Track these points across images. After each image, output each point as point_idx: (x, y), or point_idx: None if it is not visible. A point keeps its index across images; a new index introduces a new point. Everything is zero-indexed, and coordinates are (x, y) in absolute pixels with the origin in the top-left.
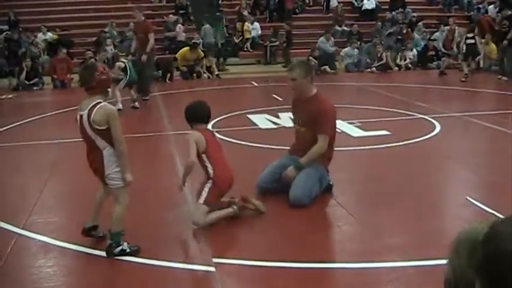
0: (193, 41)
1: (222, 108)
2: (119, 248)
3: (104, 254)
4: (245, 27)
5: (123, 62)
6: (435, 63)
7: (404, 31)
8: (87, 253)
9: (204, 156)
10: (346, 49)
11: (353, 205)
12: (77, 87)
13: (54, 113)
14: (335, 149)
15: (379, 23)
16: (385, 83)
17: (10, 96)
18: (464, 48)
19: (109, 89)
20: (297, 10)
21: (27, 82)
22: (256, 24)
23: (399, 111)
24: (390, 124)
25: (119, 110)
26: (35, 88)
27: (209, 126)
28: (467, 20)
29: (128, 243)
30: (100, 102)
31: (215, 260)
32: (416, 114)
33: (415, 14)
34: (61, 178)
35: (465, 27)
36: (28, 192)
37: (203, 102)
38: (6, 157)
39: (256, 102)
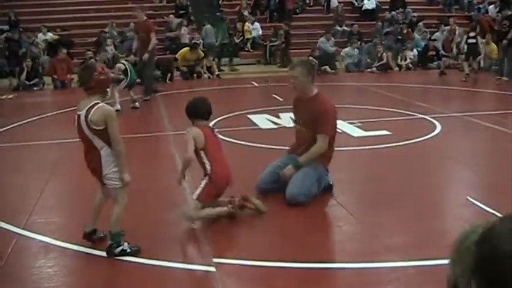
0: (193, 41)
1: (222, 109)
2: (120, 248)
3: (104, 254)
4: (245, 28)
5: (123, 64)
6: (435, 63)
7: (405, 31)
8: (87, 253)
9: (202, 152)
10: (346, 49)
11: (353, 205)
12: (77, 87)
13: (54, 113)
14: (335, 149)
15: (380, 23)
16: (386, 83)
17: (10, 96)
18: (466, 48)
19: (108, 89)
20: (297, 10)
21: (27, 82)
22: (257, 25)
23: (399, 111)
24: (390, 124)
25: (117, 110)
26: (35, 88)
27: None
28: (468, 20)
29: (128, 244)
30: (98, 103)
31: (215, 260)
32: (416, 114)
33: (415, 14)
34: (61, 178)
35: (465, 28)
36: (29, 193)
37: (204, 99)
38: (7, 157)
39: (257, 102)
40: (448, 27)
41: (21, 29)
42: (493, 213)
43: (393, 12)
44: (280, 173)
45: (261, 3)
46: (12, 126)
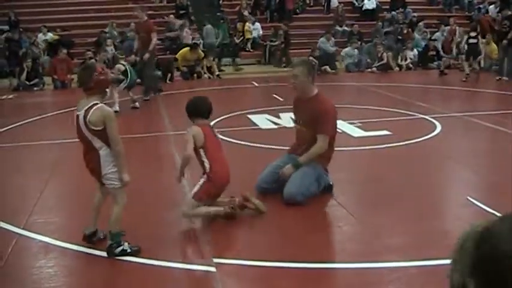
0: (193, 41)
1: (222, 109)
2: (120, 248)
3: (104, 254)
4: (246, 28)
5: (123, 65)
6: (436, 63)
7: (405, 31)
8: (87, 253)
9: (201, 151)
10: (346, 49)
11: (353, 205)
12: (77, 87)
13: (54, 113)
14: (335, 149)
15: (380, 23)
16: (386, 83)
17: (11, 96)
18: (466, 47)
19: (107, 90)
20: (297, 10)
21: (27, 82)
22: (258, 25)
23: (400, 111)
24: (391, 124)
25: (115, 112)
26: (35, 88)
27: None
28: (468, 20)
29: (128, 244)
30: (97, 103)
31: (215, 260)
32: (416, 114)
33: (415, 14)
34: (61, 178)
35: (466, 28)
36: (29, 193)
37: (204, 98)
38: (7, 157)
39: (257, 103)
40: (448, 27)
41: (21, 29)
42: (493, 213)
43: (393, 12)
44: (279, 173)
45: (261, 3)
46: (12, 126)
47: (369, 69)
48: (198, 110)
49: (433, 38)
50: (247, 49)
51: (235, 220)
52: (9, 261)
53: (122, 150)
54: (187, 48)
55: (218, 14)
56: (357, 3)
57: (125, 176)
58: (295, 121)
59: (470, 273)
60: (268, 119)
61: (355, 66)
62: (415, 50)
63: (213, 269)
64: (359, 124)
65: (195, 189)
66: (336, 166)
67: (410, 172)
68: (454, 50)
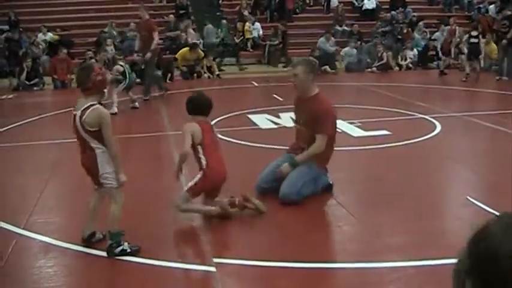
0: (193, 41)
1: (222, 108)
2: (120, 248)
3: (104, 254)
4: (246, 28)
5: (122, 66)
6: (435, 63)
7: (405, 31)
8: (87, 253)
9: (199, 147)
10: (346, 49)
11: (353, 205)
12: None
13: (54, 113)
14: (335, 148)
15: (380, 23)
16: (386, 82)
17: (10, 96)
18: (468, 47)
19: (105, 90)
20: (297, 10)
21: (27, 82)
22: (258, 25)
23: (399, 111)
24: (390, 124)
25: (114, 114)
26: (35, 88)
27: None
28: (468, 20)
29: (128, 243)
30: (94, 104)
31: (215, 260)
32: (416, 114)
33: (415, 14)
34: (61, 178)
35: (465, 27)
36: (29, 193)
37: (204, 95)
38: (7, 157)
39: (257, 102)
40: (448, 27)
41: (21, 29)
42: (493, 213)
43: (393, 12)
44: (277, 171)
45: (261, 3)
46: (12, 126)
47: (369, 69)
48: (198, 106)
49: (433, 37)
50: (247, 49)
51: (232, 220)
52: (9, 261)
53: (117, 152)
54: (186, 48)
55: (218, 13)
56: (356, 3)
57: (121, 177)
58: (295, 120)
59: (467, 273)
60: (268, 119)
61: (355, 66)
62: (415, 49)
63: (213, 269)
64: (359, 124)
65: (190, 183)
66: (336, 166)
67: (410, 172)
68: (453, 50)
